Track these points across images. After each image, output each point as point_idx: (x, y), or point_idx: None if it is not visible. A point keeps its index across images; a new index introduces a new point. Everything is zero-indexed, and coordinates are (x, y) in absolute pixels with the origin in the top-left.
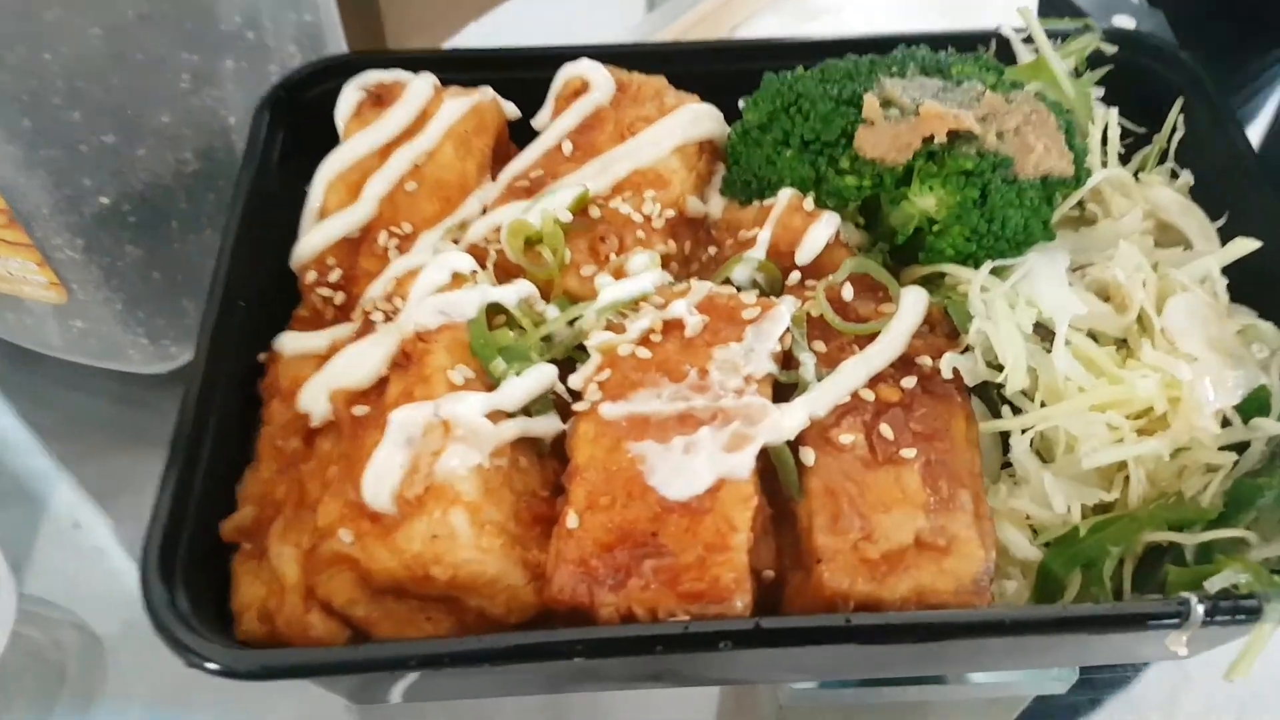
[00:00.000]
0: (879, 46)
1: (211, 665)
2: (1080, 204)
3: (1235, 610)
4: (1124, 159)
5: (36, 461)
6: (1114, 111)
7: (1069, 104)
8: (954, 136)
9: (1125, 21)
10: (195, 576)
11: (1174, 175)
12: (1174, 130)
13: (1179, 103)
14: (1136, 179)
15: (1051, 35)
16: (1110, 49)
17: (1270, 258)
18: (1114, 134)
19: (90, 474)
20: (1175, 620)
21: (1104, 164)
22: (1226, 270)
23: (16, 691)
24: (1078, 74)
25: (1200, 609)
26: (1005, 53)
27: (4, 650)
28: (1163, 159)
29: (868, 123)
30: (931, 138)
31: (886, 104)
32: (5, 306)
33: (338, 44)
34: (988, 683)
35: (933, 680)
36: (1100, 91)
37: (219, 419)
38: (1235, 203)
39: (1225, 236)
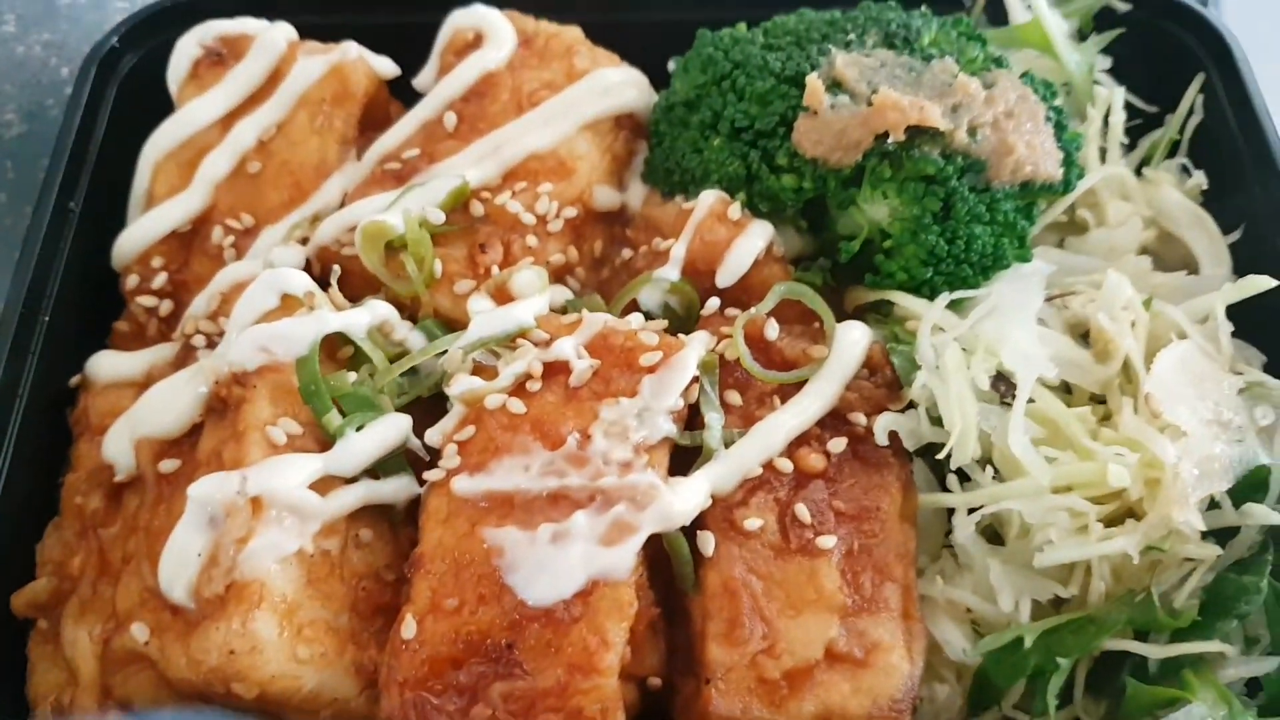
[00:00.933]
0: None
1: None
2: (1071, 207)
3: None
4: (1130, 144)
5: None
6: (1120, 92)
7: (1066, 78)
8: (915, 133)
9: None
10: None
11: (1185, 172)
12: (1191, 112)
13: (1199, 79)
14: (1140, 173)
15: None
16: (1123, 6)
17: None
18: (1117, 119)
19: None
20: None
21: (1103, 156)
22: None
23: None
24: (1082, 37)
25: None
26: (996, 7)
27: None
28: (1174, 149)
29: (810, 111)
30: (886, 134)
31: (835, 87)
32: None
33: None
34: None
35: None
36: (1107, 62)
37: (13, 462)
38: (1255, 212)
39: (1239, 254)
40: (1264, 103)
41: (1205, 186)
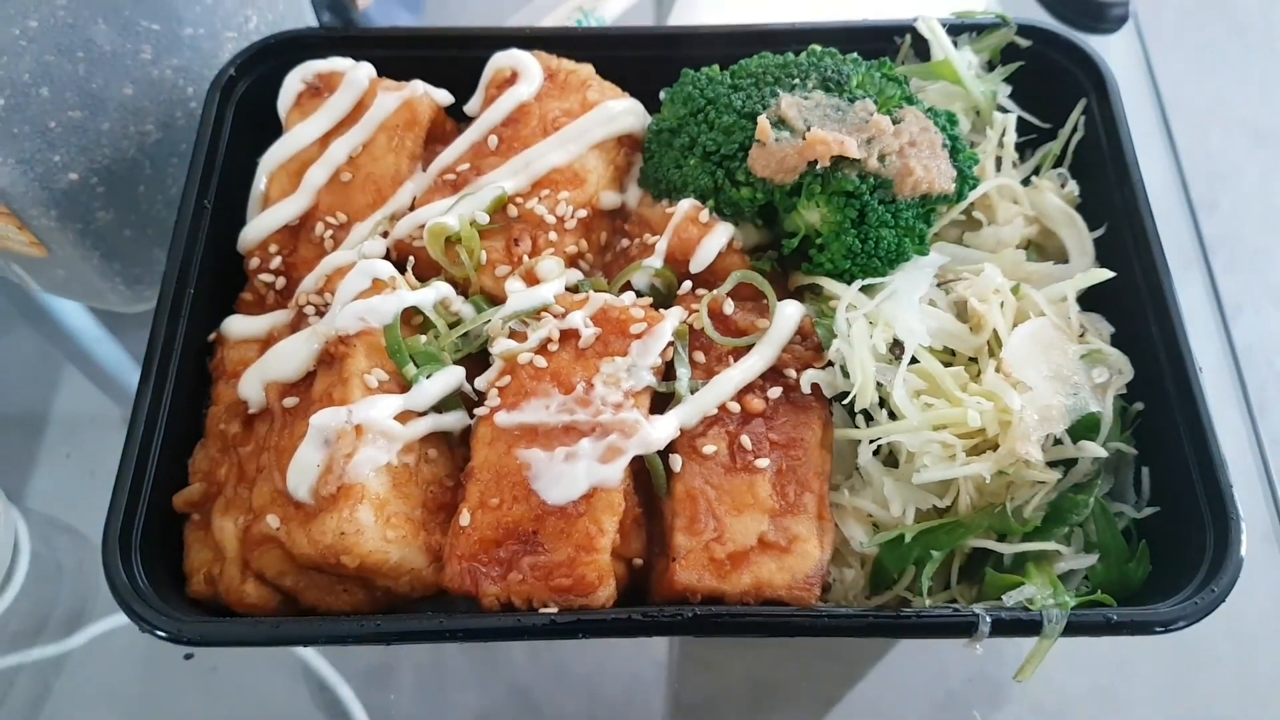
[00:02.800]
0: (799, 38)
1: (161, 634)
2: (971, 207)
3: (1018, 625)
4: (1027, 153)
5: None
6: (1012, 117)
7: (971, 104)
8: (838, 160)
9: None
10: (152, 544)
11: (1064, 180)
12: (1075, 130)
13: (1081, 104)
14: (1029, 182)
15: (970, 28)
16: (1024, 43)
17: (1130, 279)
18: (1010, 139)
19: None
20: (964, 631)
21: (999, 167)
22: (1097, 287)
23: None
24: (991, 67)
25: (987, 625)
26: (923, 45)
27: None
28: (1061, 160)
29: (760, 143)
30: (816, 161)
31: (779, 124)
32: None
33: (296, 2)
34: None
35: None
36: (1008, 89)
37: (172, 401)
38: (1115, 216)
39: (1103, 248)
40: (1128, 124)
41: (1078, 192)
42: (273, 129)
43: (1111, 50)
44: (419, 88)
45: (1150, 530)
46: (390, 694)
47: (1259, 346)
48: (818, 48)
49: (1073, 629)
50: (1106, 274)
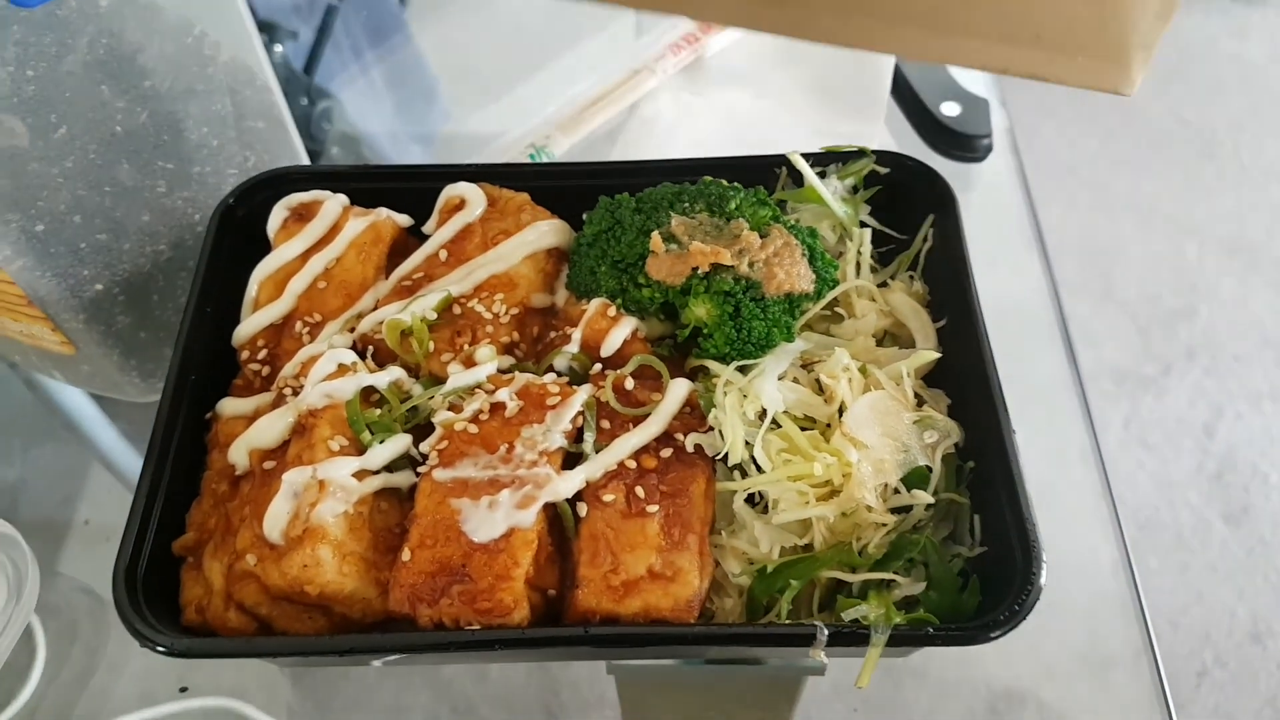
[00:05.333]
0: (698, 169)
1: (160, 648)
2: (835, 304)
3: (850, 637)
4: (890, 259)
5: None
6: (868, 231)
7: (836, 221)
8: (716, 266)
9: (951, 108)
10: (154, 580)
11: (913, 280)
12: (925, 240)
13: (930, 218)
14: (886, 284)
15: (838, 158)
16: (883, 170)
17: (963, 358)
18: (866, 249)
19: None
20: (807, 641)
21: (858, 271)
22: (943, 365)
23: None
24: (856, 190)
25: (824, 635)
26: (798, 175)
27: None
28: (914, 265)
29: (654, 253)
30: (698, 268)
31: (670, 238)
32: (33, 353)
33: (289, 144)
34: (766, 666)
35: (717, 661)
36: (868, 208)
37: (173, 464)
38: (954, 310)
39: (945, 336)
40: (962, 237)
41: (925, 290)
42: (263, 248)
43: (984, 173)
44: (383, 213)
45: (981, 567)
46: None
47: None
48: (709, 178)
49: (895, 640)
50: (933, 355)
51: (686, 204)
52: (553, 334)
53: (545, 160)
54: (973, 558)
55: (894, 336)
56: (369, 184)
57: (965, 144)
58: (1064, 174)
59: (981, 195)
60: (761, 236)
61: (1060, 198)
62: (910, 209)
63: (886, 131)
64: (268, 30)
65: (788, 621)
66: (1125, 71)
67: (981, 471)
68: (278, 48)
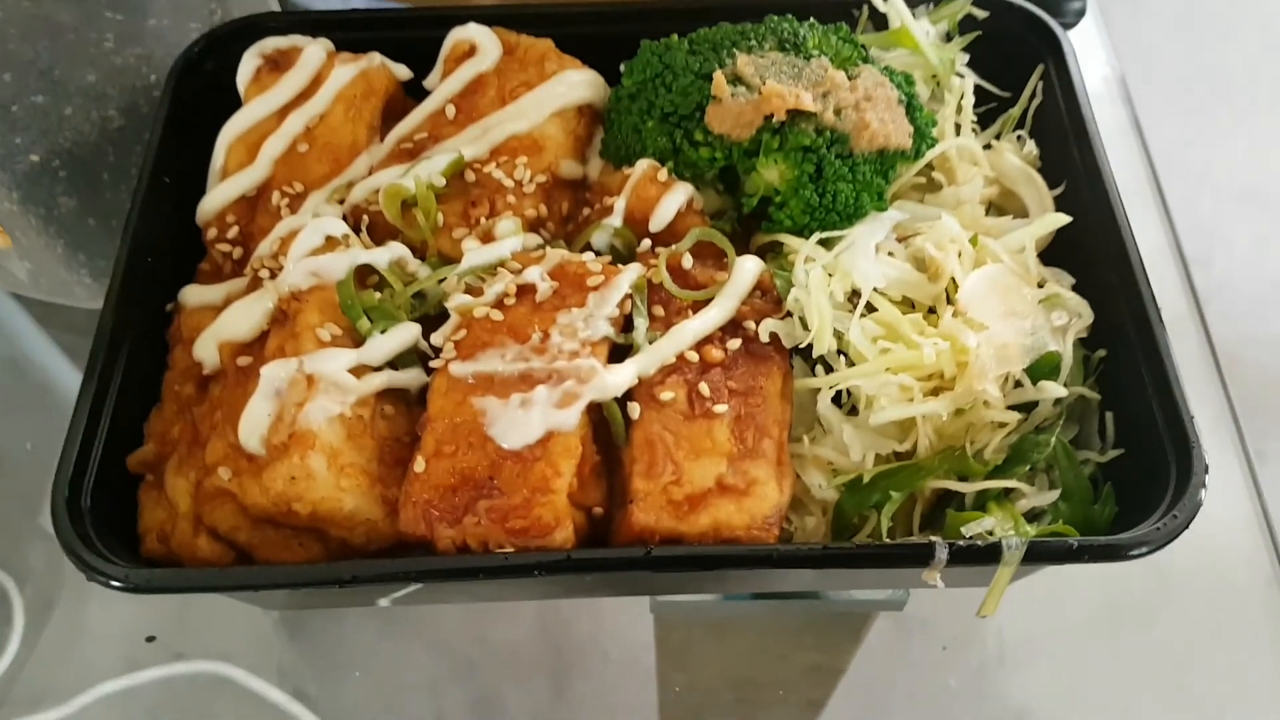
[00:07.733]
0: (755, 12)
1: (114, 583)
2: (931, 169)
3: (976, 554)
4: (988, 121)
5: None
6: (969, 82)
7: (932, 70)
8: (794, 114)
9: None
10: (105, 503)
11: (1024, 142)
12: (1034, 96)
13: (1039, 70)
14: (990, 146)
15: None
16: (982, 14)
17: (1090, 230)
18: (968, 103)
19: None
20: (920, 561)
21: (958, 131)
22: (1062, 239)
23: None
24: (949, 37)
25: (944, 552)
26: (880, 18)
27: None
28: (1021, 123)
29: (716, 100)
30: (772, 115)
31: (736, 81)
32: None
33: None
34: (837, 600)
35: (784, 596)
36: (966, 58)
37: (127, 364)
38: (1073, 175)
39: (1063, 205)
40: (1085, 89)
41: (1037, 154)
42: (233, 108)
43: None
44: (376, 59)
45: (1116, 474)
46: None
47: None
48: (774, 16)
49: (1033, 556)
50: (1063, 219)
51: (753, 43)
52: (587, 210)
53: None
54: (1105, 463)
55: (999, 208)
56: (358, 33)
57: (1055, 7)
58: None
59: None
60: (850, 78)
61: None
62: (1014, 61)
63: None
64: None
65: (918, 539)
66: None
67: (1117, 362)
68: None
